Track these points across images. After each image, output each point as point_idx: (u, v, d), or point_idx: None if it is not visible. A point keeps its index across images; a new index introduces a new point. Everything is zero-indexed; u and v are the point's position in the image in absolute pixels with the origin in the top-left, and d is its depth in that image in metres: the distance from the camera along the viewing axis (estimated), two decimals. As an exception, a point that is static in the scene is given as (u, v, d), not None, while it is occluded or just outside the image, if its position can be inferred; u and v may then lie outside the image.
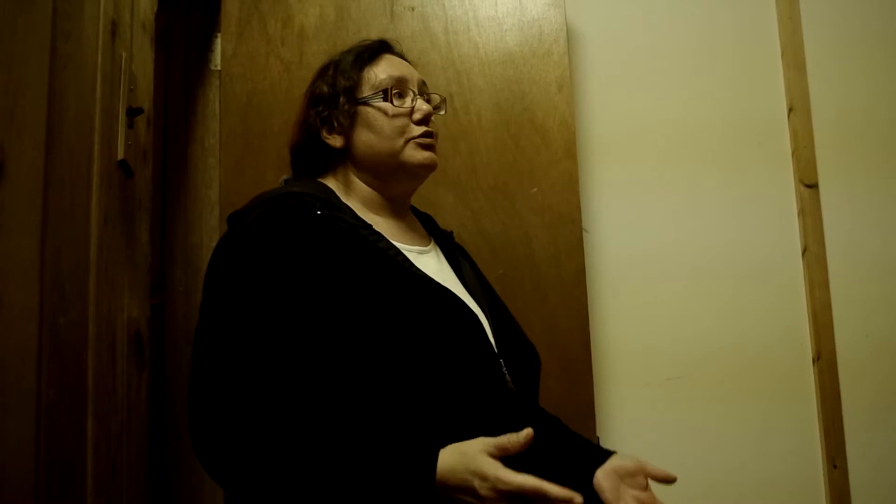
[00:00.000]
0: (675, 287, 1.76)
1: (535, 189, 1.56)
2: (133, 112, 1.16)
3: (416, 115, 1.05)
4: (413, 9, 1.61)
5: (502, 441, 0.79)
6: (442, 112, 1.13)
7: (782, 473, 1.70)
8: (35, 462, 0.76)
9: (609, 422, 1.68)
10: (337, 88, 1.05)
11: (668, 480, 0.94)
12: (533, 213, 1.55)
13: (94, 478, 0.94)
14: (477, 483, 0.76)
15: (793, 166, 1.82)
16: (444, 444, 0.83)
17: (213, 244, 1.02)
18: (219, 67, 1.68)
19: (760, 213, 1.80)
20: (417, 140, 1.04)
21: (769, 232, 1.80)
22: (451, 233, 1.22)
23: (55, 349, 0.82)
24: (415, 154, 1.04)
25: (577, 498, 0.75)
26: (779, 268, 1.79)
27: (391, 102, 1.04)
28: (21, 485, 0.73)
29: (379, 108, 1.04)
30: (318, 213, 0.94)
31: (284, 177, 1.12)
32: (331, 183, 1.07)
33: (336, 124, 1.04)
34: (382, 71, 1.06)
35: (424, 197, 1.50)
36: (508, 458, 0.79)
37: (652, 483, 0.99)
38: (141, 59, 1.25)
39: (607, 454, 1.00)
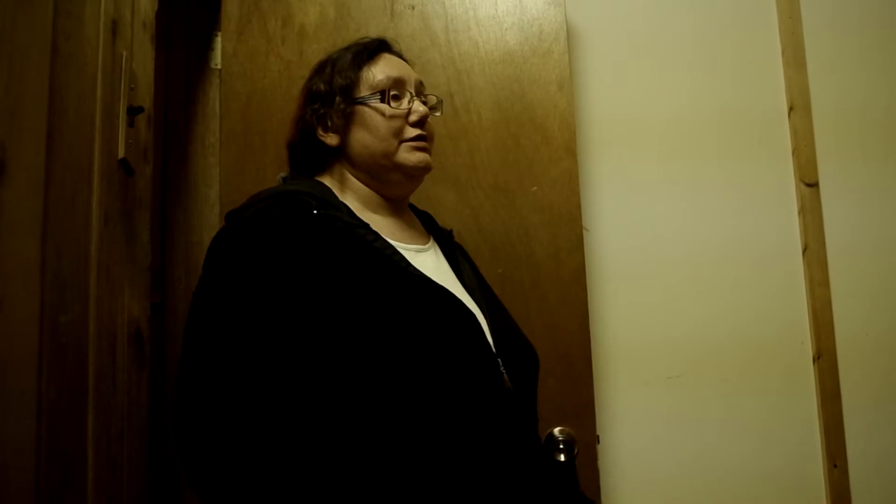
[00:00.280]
0: (676, 286, 1.76)
1: (535, 188, 1.56)
2: (134, 111, 1.16)
3: (412, 118, 1.05)
4: (413, 7, 1.60)
5: None
6: (438, 113, 1.13)
7: (782, 473, 1.70)
8: (36, 461, 0.76)
9: (609, 421, 1.68)
10: (334, 87, 1.05)
11: None
12: (533, 212, 1.55)
13: (95, 476, 0.94)
14: None
15: (793, 165, 1.83)
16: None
17: (214, 243, 1.02)
18: (219, 66, 1.68)
19: (761, 211, 1.80)
20: (411, 143, 1.04)
21: (769, 230, 1.80)
22: (451, 231, 1.22)
23: (56, 348, 0.82)
24: (409, 156, 1.04)
25: None
26: (779, 266, 1.79)
27: (388, 104, 1.04)
28: (22, 483, 0.73)
29: (376, 109, 1.04)
30: (315, 212, 0.94)
31: (282, 174, 1.12)
32: (327, 181, 1.07)
33: (331, 123, 1.04)
34: (380, 71, 1.06)
35: (425, 195, 1.50)
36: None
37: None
38: (141, 57, 1.25)
39: None
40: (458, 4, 1.61)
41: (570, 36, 1.68)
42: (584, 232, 1.62)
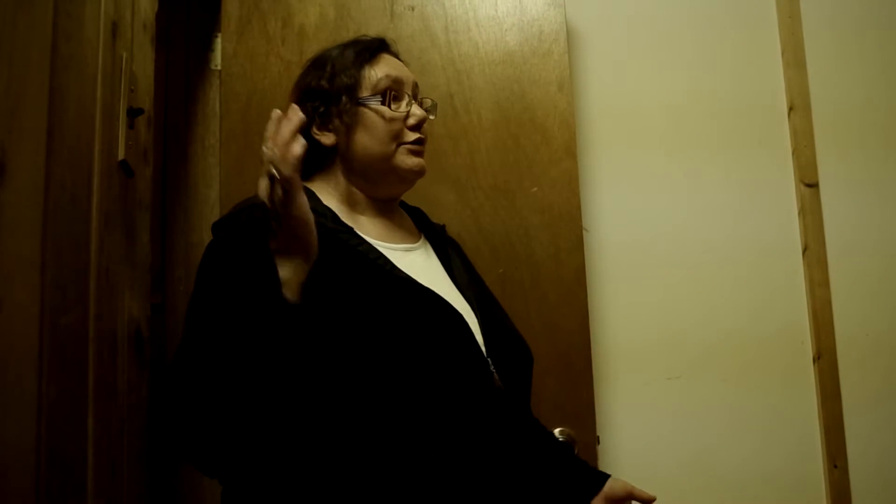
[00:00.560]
0: (676, 286, 1.76)
1: (535, 188, 1.56)
2: (134, 112, 1.16)
3: (411, 121, 1.04)
4: (413, 8, 1.61)
5: None
6: (432, 117, 1.12)
7: (783, 473, 1.70)
8: (36, 462, 0.76)
9: (609, 421, 1.68)
10: (336, 85, 1.04)
11: (651, 501, 1.04)
12: (533, 213, 1.55)
13: (95, 477, 0.95)
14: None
15: (793, 165, 1.83)
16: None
17: (214, 244, 1.02)
18: (219, 67, 1.68)
19: (761, 212, 1.80)
20: (409, 146, 1.04)
21: (769, 231, 1.80)
22: (444, 226, 1.22)
23: (56, 349, 0.82)
24: (406, 160, 1.04)
25: None
26: (779, 267, 1.79)
27: (389, 106, 1.03)
28: (22, 484, 0.74)
29: (376, 111, 1.03)
30: None
31: None
32: (318, 182, 1.06)
33: (332, 122, 1.04)
34: (381, 71, 1.05)
35: (425, 196, 1.50)
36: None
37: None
38: (141, 59, 1.25)
39: (601, 477, 1.05)
40: (457, 5, 1.61)
41: (569, 36, 1.68)
42: (584, 232, 1.62)
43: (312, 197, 1.02)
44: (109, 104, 1.06)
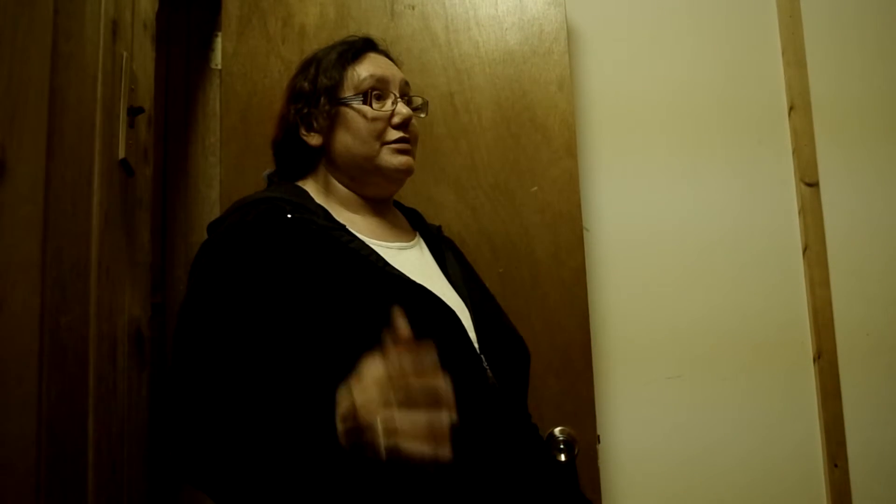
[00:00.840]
0: (676, 286, 1.76)
1: (535, 188, 1.56)
2: (134, 111, 1.16)
3: (395, 120, 1.04)
4: (413, 7, 1.60)
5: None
6: (423, 115, 1.12)
7: (783, 473, 1.70)
8: (36, 461, 0.76)
9: (609, 420, 1.68)
10: (318, 86, 1.04)
11: None
12: (533, 212, 1.55)
13: (96, 477, 0.95)
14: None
15: (793, 165, 1.82)
16: None
17: (214, 243, 1.02)
18: (219, 66, 1.68)
19: (761, 211, 1.80)
20: (393, 145, 1.03)
21: (770, 230, 1.80)
22: (440, 227, 1.22)
23: (56, 348, 0.82)
24: (391, 159, 1.03)
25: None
26: (779, 266, 1.79)
27: (370, 105, 1.03)
28: (22, 484, 0.73)
29: (358, 111, 1.03)
30: (289, 216, 0.94)
31: (267, 171, 1.12)
32: (310, 182, 1.07)
33: (315, 124, 1.04)
34: (364, 70, 1.05)
35: (425, 195, 1.50)
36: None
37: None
38: (142, 58, 1.25)
39: None
40: (458, 4, 1.61)
41: (570, 36, 1.68)
42: (585, 232, 1.62)
43: (304, 195, 1.02)
44: (110, 103, 1.06)
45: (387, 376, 0.71)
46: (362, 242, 0.97)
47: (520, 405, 1.04)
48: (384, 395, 0.71)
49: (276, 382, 0.84)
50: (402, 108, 1.05)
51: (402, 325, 0.72)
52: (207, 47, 1.75)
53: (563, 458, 1.41)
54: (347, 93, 1.04)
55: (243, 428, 0.80)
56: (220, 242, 0.94)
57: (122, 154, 1.10)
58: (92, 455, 0.94)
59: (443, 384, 0.71)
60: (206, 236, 1.00)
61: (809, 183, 1.80)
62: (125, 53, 1.13)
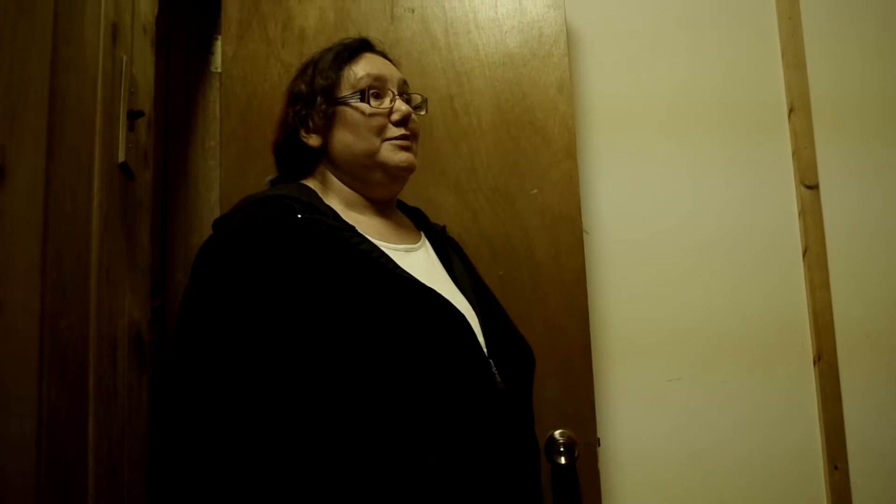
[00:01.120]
0: (676, 288, 1.76)
1: (535, 190, 1.56)
2: (134, 115, 1.16)
3: (395, 116, 1.04)
4: (413, 10, 1.61)
5: None
6: (423, 112, 1.12)
7: (783, 475, 1.70)
8: (36, 464, 0.76)
9: (610, 422, 1.68)
10: (315, 87, 1.05)
11: None
12: (533, 214, 1.55)
13: (95, 480, 0.94)
14: None
15: (793, 167, 1.83)
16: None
17: (214, 246, 1.02)
18: (219, 69, 1.68)
19: (761, 213, 1.80)
20: (395, 141, 1.03)
21: (770, 233, 1.80)
22: (444, 227, 1.21)
23: (56, 351, 0.82)
24: (392, 155, 1.03)
25: None
26: (779, 268, 1.79)
27: (368, 102, 1.03)
28: (22, 487, 0.73)
29: (356, 108, 1.03)
30: (299, 216, 0.94)
31: (269, 177, 1.12)
32: (312, 184, 1.06)
33: (313, 124, 1.04)
34: (361, 69, 1.05)
35: (425, 197, 1.50)
36: None
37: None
38: (142, 61, 1.26)
39: None
40: (457, 7, 1.61)
41: (569, 38, 1.69)
42: (585, 234, 1.62)
43: (312, 195, 1.02)
44: (109, 106, 1.06)
45: None
46: (372, 244, 0.96)
47: (526, 410, 1.03)
48: None
49: (280, 390, 0.84)
50: (401, 105, 1.05)
51: None
52: (207, 51, 1.76)
53: (563, 460, 1.40)
54: (345, 92, 1.04)
55: (233, 448, 0.80)
56: (229, 241, 0.93)
57: (121, 157, 1.10)
58: (92, 458, 0.93)
59: None
60: (206, 238, 1.00)
61: (809, 185, 1.80)
62: (125, 57, 1.13)
